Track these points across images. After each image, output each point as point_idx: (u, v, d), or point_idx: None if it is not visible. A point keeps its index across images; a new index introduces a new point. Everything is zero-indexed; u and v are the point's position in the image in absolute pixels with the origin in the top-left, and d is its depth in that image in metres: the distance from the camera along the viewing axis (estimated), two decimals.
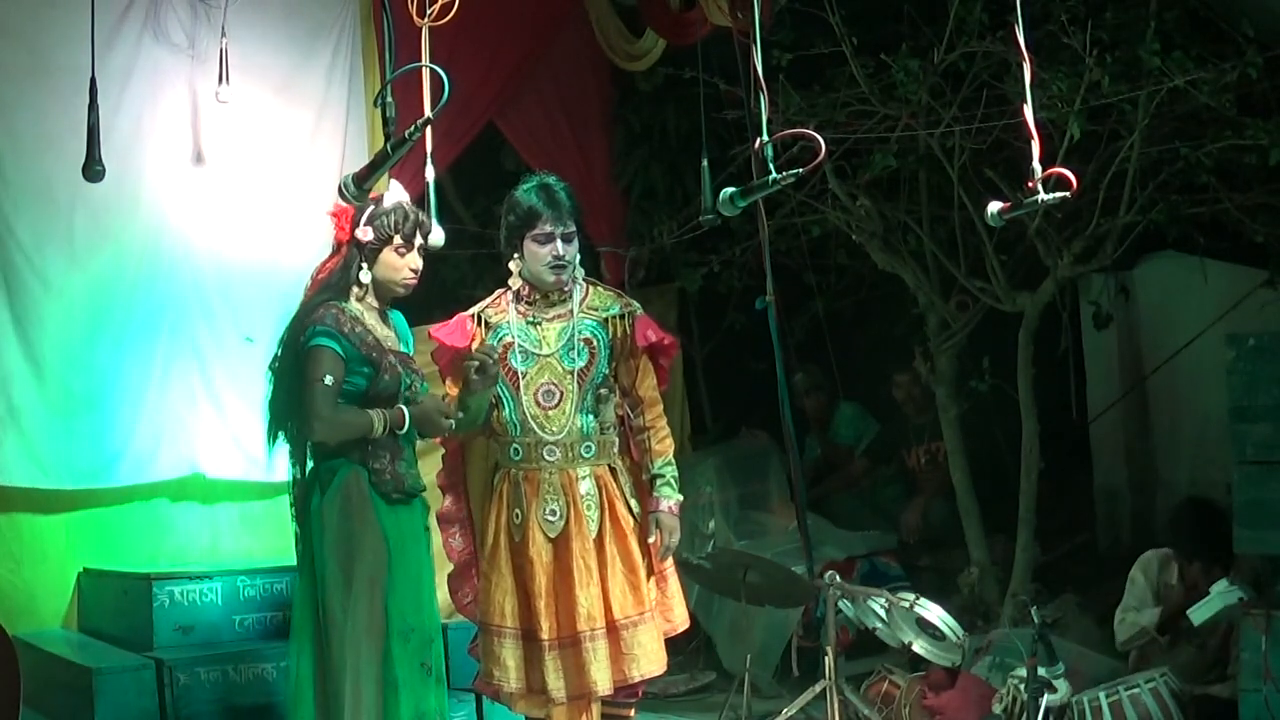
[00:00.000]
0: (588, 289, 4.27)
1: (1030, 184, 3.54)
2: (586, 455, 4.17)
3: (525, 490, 4.14)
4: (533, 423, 4.12)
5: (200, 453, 5.61)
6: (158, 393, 5.51)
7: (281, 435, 3.90)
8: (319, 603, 3.77)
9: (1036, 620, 4.28)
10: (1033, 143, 3.55)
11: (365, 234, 3.89)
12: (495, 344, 4.13)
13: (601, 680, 4.04)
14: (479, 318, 4.22)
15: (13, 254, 5.24)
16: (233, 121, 5.70)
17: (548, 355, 4.15)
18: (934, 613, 4.65)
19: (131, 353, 5.46)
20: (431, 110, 3.61)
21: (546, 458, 4.13)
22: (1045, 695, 4.28)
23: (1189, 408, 6.42)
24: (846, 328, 7.25)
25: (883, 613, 4.79)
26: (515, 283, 4.23)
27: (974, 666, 5.01)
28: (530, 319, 4.19)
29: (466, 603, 4.30)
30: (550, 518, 4.11)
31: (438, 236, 4.09)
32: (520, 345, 4.15)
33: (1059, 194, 3.55)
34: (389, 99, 3.55)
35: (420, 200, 4.27)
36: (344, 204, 3.83)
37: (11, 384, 5.21)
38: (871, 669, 5.36)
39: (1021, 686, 4.35)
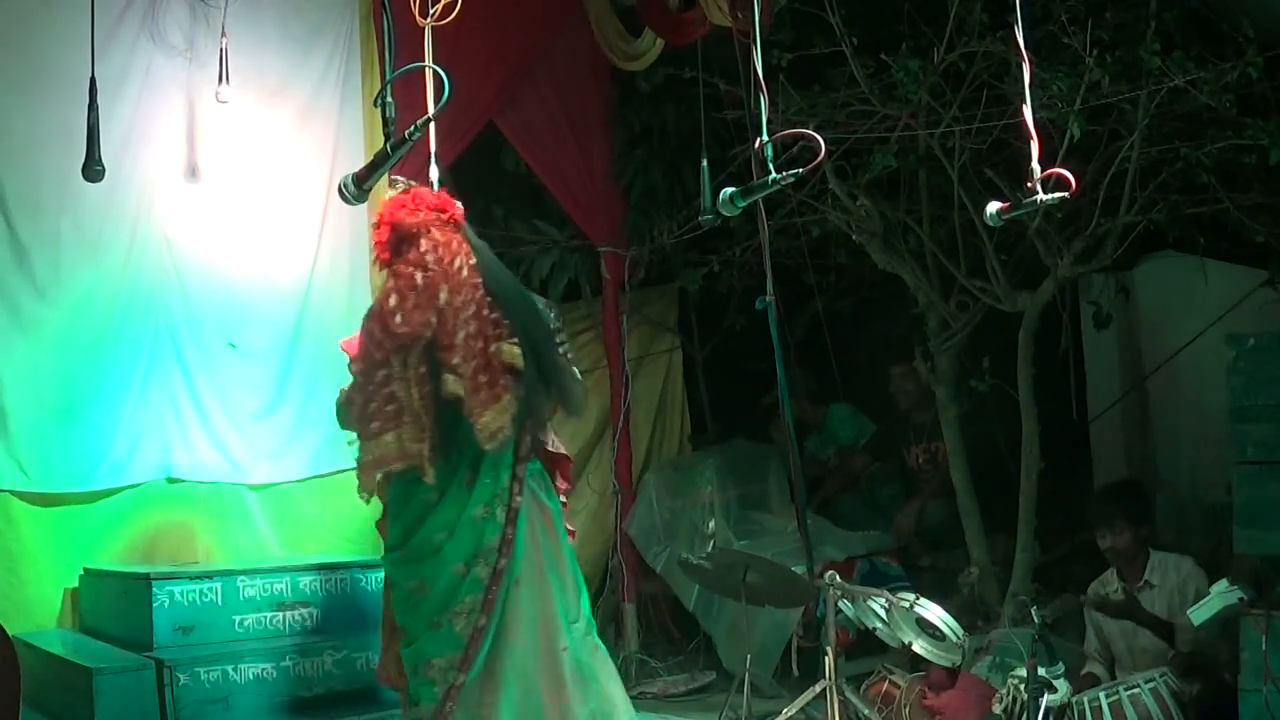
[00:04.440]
0: None
1: (1030, 184, 3.54)
2: None
3: None
4: None
5: (180, 456, 5.60)
6: (140, 398, 5.51)
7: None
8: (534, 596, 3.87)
9: (1036, 620, 4.28)
10: (1033, 143, 3.55)
11: None
12: None
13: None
14: None
15: (3, 258, 5.24)
16: (229, 123, 5.69)
17: None
18: (934, 613, 4.65)
19: (115, 357, 5.45)
20: (432, 110, 3.62)
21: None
22: (1045, 695, 4.29)
23: (1189, 408, 6.42)
24: (846, 328, 7.25)
25: (883, 613, 4.79)
26: None
27: (974, 666, 5.01)
28: None
29: None
30: None
31: None
32: None
33: (1059, 194, 3.55)
34: (389, 99, 3.55)
35: None
36: (346, 203, 3.84)
37: None
38: (871, 669, 5.36)
39: (1021, 686, 4.35)
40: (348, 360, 4.29)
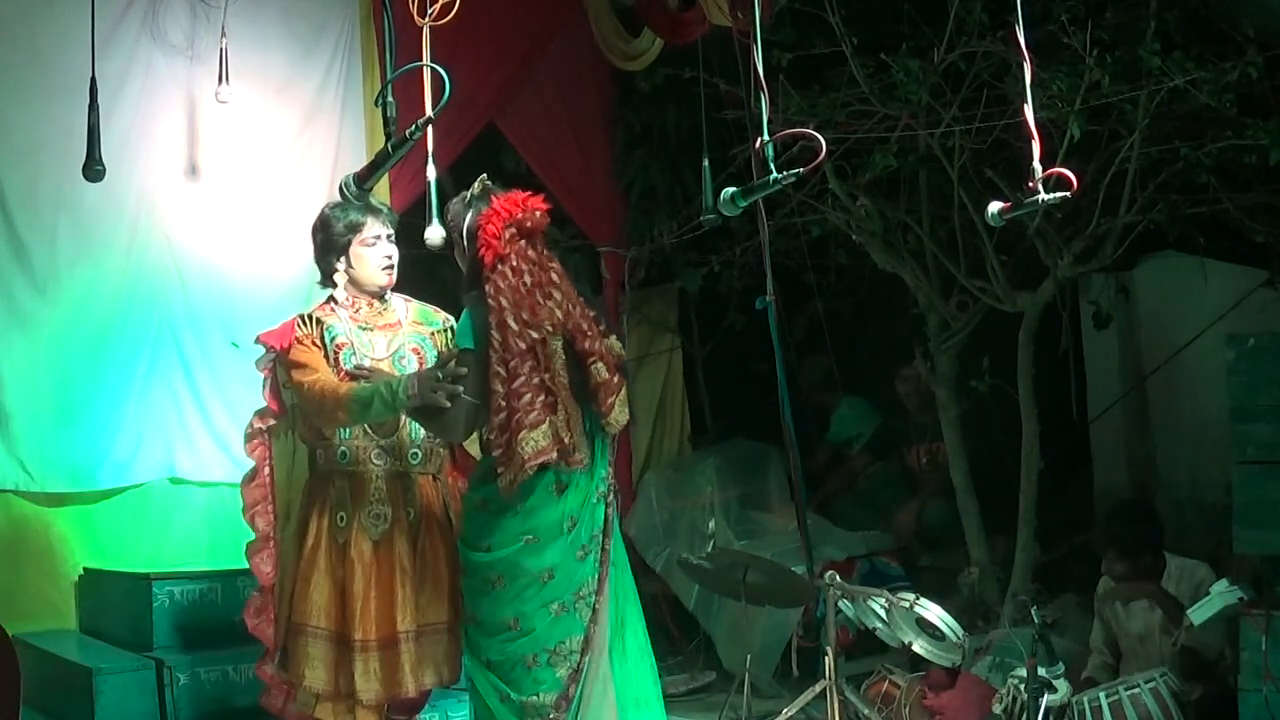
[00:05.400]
0: (410, 304, 4.31)
1: (1030, 184, 3.54)
2: (414, 462, 4.17)
3: (351, 493, 4.12)
4: (364, 426, 4.12)
5: (183, 457, 5.60)
6: (141, 397, 5.51)
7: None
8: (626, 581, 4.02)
9: (1036, 620, 4.28)
10: (1033, 143, 3.55)
11: None
12: (329, 343, 4.13)
13: (411, 682, 4.07)
14: (309, 318, 4.20)
15: (4, 257, 5.24)
16: (229, 123, 5.69)
17: (380, 360, 4.15)
18: (934, 613, 4.65)
19: (117, 356, 5.46)
20: (432, 110, 3.62)
21: (374, 461, 4.13)
22: (1045, 695, 4.29)
23: (1189, 408, 6.42)
24: (846, 328, 7.25)
25: (883, 613, 4.78)
26: (341, 295, 4.22)
27: (974, 666, 5.01)
28: (362, 325, 4.21)
29: (258, 622, 4.17)
30: (374, 521, 4.11)
31: (437, 235, 4.09)
32: (355, 347, 4.16)
33: (1059, 194, 3.55)
34: (389, 98, 3.55)
35: (421, 200, 4.28)
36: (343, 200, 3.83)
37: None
38: (871, 669, 5.36)
39: (1021, 686, 4.35)
40: (262, 352, 4.24)
